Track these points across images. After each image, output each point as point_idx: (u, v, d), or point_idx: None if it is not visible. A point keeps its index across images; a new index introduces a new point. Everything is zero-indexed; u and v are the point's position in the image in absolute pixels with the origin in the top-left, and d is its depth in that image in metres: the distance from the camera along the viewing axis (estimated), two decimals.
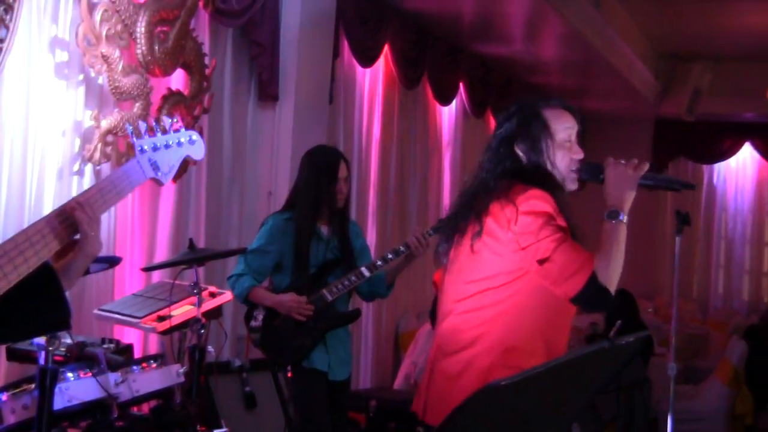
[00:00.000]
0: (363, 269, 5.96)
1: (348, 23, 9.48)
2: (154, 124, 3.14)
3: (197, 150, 3.26)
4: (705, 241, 18.08)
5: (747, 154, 17.94)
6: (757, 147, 17.73)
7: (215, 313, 6.13)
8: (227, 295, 6.21)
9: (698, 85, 16.26)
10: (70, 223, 2.78)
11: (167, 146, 3.13)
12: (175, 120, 3.20)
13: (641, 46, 14.61)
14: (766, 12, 12.23)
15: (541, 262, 3.71)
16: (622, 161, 3.82)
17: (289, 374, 6.14)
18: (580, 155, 3.95)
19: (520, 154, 3.92)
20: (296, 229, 6.09)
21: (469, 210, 3.93)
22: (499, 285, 3.81)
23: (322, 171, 6.16)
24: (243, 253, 6.22)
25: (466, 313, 3.89)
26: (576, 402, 3.15)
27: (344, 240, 6.17)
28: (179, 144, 3.18)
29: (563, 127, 3.95)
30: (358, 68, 10.24)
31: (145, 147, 3.08)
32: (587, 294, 3.68)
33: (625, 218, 3.75)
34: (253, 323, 6.12)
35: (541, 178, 3.87)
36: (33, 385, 4.44)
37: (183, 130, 3.22)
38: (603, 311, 3.74)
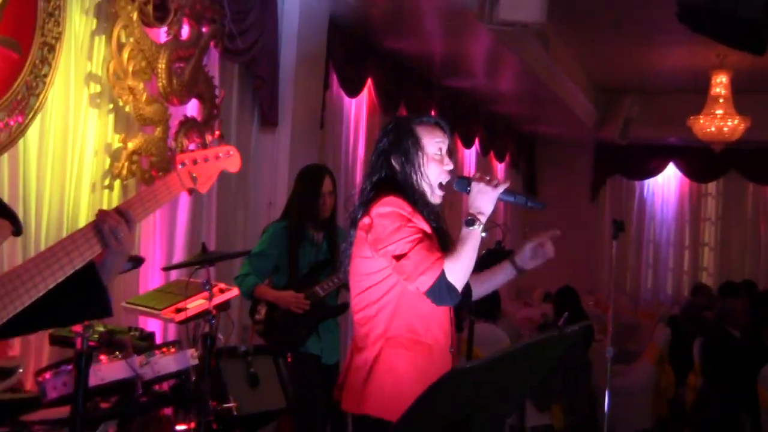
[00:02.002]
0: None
1: (336, 60, 9.49)
2: (196, 140, 3.10)
3: (233, 163, 3.16)
4: (636, 245, 18.18)
5: (671, 172, 18.09)
6: (680, 166, 17.92)
7: (224, 306, 6.11)
8: (234, 291, 6.18)
9: (630, 114, 16.32)
10: None
11: (206, 160, 3.08)
12: (215, 137, 3.15)
13: (582, 81, 14.66)
14: (687, 52, 12.30)
15: (398, 258, 3.62)
16: (487, 177, 3.72)
17: (289, 359, 6.14)
18: (450, 166, 3.87)
19: (396, 165, 3.84)
20: (287, 236, 6.10)
21: (350, 224, 3.90)
22: (377, 282, 3.76)
23: (308, 186, 6.17)
24: (247, 255, 6.22)
25: (359, 312, 3.85)
26: (530, 381, 3.14)
27: (333, 244, 6.16)
28: (217, 158, 3.09)
29: (434, 142, 3.86)
30: (345, 98, 10.24)
31: (186, 161, 3.02)
32: (437, 290, 3.59)
33: (480, 227, 3.63)
34: (257, 316, 6.13)
35: (400, 186, 3.79)
36: (71, 366, 4.42)
37: (221, 145, 3.14)
38: (450, 305, 3.64)
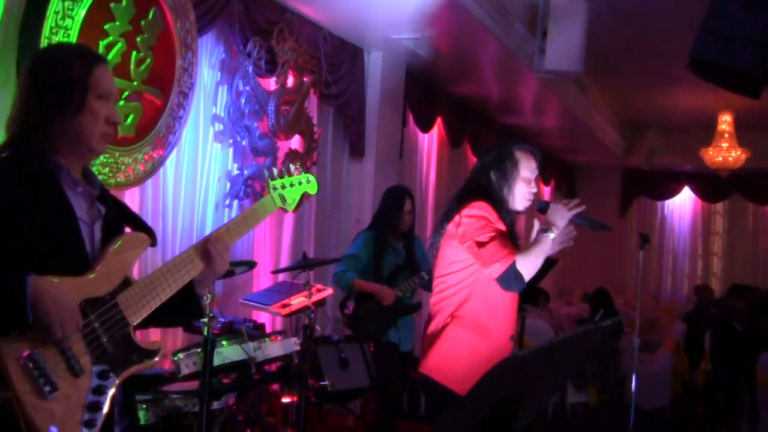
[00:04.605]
0: (423, 273, 5.92)
1: (412, 102, 9.50)
2: (282, 169, 3.14)
3: (312, 187, 3.20)
4: (658, 254, 17.99)
5: (687, 194, 17.94)
6: (693, 189, 17.76)
7: (320, 303, 6.13)
8: (329, 291, 6.21)
9: (652, 146, 16.18)
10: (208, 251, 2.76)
11: (292, 185, 3.11)
12: (298, 167, 3.20)
13: (613, 119, 14.52)
14: (698, 96, 12.15)
15: (479, 245, 3.70)
16: (565, 201, 3.77)
17: (371, 348, 6.13)
18: (534, 189, 3.93)
19: (493, 178, 3.88)
20: (374, 243, 6.08)
21: (444, 217, 3.94)
22: (457, 270, 3.82)
23: (393, 203, 6.13)
24: (340, 261, 6.20)
25: (439, 293, 3.91)
26: (571, 366, 3.13)
27: (410, 252, 6.11)
28: (300, 183, 3.14)
29: (528, 167, 3.90)
30: (419, 133, 10.23)
31: (277, 186, 3.06)
32: (507, 276, 3.66)
33: (551, 236, 3.70)
34: (346, 311, 6.10)
35: (491, 195, 3.85)
36: (200, 349, 4.47)
37: (303, 173, 3.18)
38: (516, 291, 3.70)
